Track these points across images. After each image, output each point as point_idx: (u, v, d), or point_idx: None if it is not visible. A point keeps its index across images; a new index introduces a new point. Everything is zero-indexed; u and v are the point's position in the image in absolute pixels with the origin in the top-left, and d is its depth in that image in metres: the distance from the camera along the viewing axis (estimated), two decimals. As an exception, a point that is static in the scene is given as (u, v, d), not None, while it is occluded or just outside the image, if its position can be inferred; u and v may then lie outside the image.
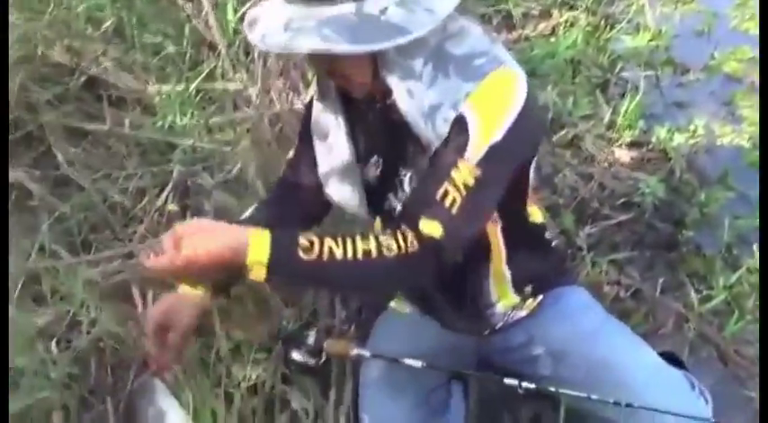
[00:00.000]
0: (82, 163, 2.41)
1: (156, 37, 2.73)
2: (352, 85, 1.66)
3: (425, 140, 1.61)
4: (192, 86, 2.63)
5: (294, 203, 1.94)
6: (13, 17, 2.34)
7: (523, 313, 1.98)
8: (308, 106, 1.88)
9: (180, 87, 2.62)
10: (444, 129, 1.57)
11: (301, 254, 1.47)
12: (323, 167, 1.86)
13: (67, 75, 2.52)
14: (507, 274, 1.91)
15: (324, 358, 1.94)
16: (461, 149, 1.54)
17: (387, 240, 1.51)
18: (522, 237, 1.88)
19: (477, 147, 1.53)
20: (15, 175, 2.30)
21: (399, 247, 1.51)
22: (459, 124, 1.55)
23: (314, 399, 2.14)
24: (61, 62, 2.52)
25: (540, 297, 1.98)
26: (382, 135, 1.76)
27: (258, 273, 1.45)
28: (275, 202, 1.94)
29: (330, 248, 1.48)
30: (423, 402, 1.99)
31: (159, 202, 2.41)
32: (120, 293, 2.18)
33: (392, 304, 2.15)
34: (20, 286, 2.11)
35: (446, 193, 1.53)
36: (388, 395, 1.99)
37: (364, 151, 1.82)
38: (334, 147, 1.81)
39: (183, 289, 1.83)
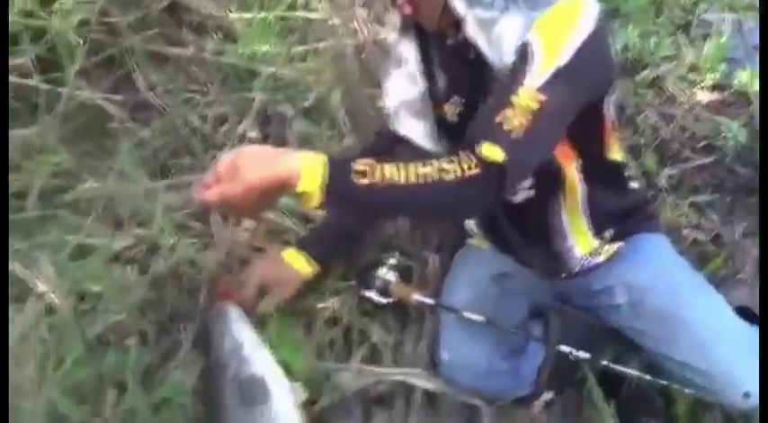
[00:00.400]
0: (162, 88, 2.37)
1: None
2: (421, 14, 1.62)
3: (499, 73, 1.56)
4: (273, 14, 2.56)
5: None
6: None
7: (601, 259, 1.94)
8: None
9: (261, 15, 2.55)
10: (512, 57, 1.53)
11: (356, 178, 1.43)
12: (392, 101, 1.83)
13: (149, -1, 2.47)
14: (585, 214, 1.87)
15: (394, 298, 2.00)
16: (524, 74, 1.50)
17: (446, 164, 1.46)
18: (601, 175, 1.83)
19: (541, 70, 1.49)
20: (94, 98, 2.27)
21: (459, 170, 1.46)
22: (524, 50, 1.52)
23: (393, 333, 2.11)
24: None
25: (620, 243, 1.94)
26: (462, 75, 1.72)
27: (311, 199, 1.42)
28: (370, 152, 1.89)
29: (387, 173, 1.44)
30: (502, 341, 1.99)
31: (240, 130, 2.37)
32: (198, 220, 2.14)
33: (471, 241, 2.15)
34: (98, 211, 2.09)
35: (507, 118, 1.48)
36: (468, 333, 1.98)
37: (445, 90, 1.79)
38: (406, 80, 1.80)
39: (290, 258, 1.91)
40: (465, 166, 1.46)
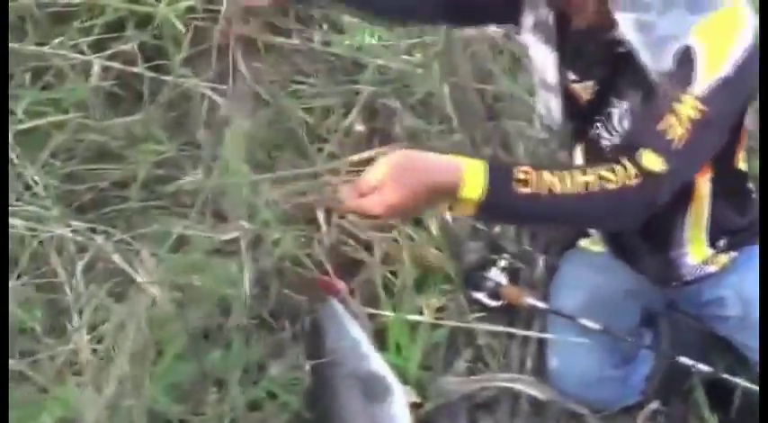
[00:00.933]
0: (267, 79, 2.31)
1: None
2: (577, 12, 1.57)
3: (648, 74, 1.53)
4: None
5: None
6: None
7: (713, 269, 1.90)
8: None
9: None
10: (670, 61, 1.49)
11: (517, 187, 1.40)
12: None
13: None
14: (706, 224, 1.82)
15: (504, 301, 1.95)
16: (687, 82, 1.47)
17: (607, 172, 1.44)
18: (728, 185, 1.80)
19: (704, 79, 1.47)
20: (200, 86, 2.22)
21: (621, 180, 1.44)
22: (686, 56, 1.48)
23: (500, 336, 2.05)
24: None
25: (734, 254, 1.89)
26: (601, 64, 1.68)
27: (469, 206, 1.39)
28: None
29: (547, 181, 1.41)
30: (614, 349, 1.95)
31: (346, 123, 2.31)
32: (303, 214, 2.10)
33: (581, 243, 2.11)
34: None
35: (670, 126, 1.47)
36: (580, 336, 1.91)
37: (580, 74, 1.73)
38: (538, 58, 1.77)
39: None
40: (626, 176, 1.44)
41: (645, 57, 1.52)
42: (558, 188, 1.40)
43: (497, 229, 2.18)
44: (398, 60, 2.42)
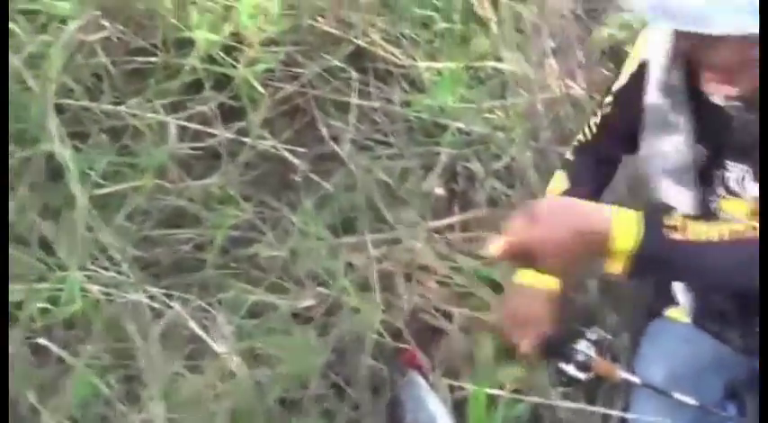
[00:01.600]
0: (346, 139, 2.28)
1: (425, 10, 2.57)
2: (724, 83, 1.50)
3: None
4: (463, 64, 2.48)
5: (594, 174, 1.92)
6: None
7: None
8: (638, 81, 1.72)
9: (451, 64, 2.46)
10: None
11: (670, 234, 1.30)
12: (650, 167, 1.76)
13: (333, 45, 2.41)
14: None
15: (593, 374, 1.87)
16: None
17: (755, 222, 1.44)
18: None
19: None
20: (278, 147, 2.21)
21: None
22: None
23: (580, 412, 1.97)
24: (329, 31, 2.41)
25: None
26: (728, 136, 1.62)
27: (621, 259, 1.31)
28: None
29: (698, 228, 1.34)
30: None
31: (425, 186, 2.28)
32: (383, 281, 2.03)
33: (667, 312, 2.03)
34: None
35: None
36: (665, 413, 1.83)
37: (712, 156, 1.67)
38: (671, 147, 1.69)
39: (525, 278, 1.83)
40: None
41: None
42: (711, 236, 1.35)
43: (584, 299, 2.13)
44: (480, 122, 2.38)
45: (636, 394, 1.93)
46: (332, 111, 2.35)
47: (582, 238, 1.28)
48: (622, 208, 1.33)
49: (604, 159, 1.96)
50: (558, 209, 1.32)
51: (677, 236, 1.32)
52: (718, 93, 1.55)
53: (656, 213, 1.36)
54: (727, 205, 1.69)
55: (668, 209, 1.59)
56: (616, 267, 1.31)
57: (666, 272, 1.48)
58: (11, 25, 1.95)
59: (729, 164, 1.64)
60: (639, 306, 2.14)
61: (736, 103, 1.56)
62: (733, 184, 1.66)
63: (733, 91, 1.51)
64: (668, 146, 1.70)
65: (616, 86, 1.82)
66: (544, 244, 1.28)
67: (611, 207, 1.33)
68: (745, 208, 1.65)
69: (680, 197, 1.72)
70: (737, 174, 1.64)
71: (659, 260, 1.33)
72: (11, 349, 1.62)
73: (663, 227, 1.32)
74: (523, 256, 1.31)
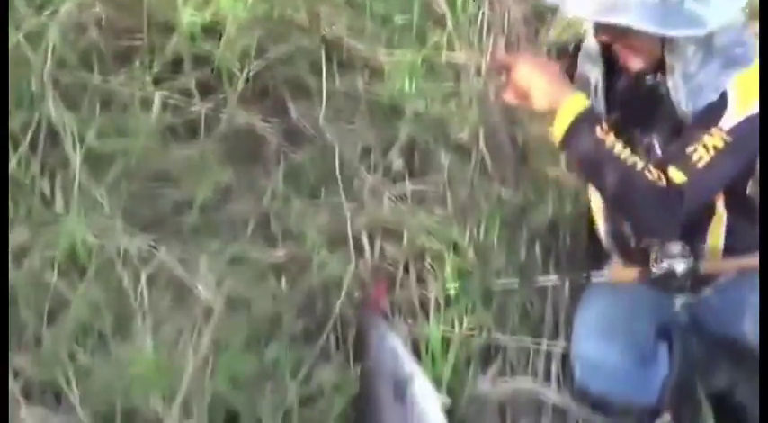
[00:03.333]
0: (312, 117, 2.45)
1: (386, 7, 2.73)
2: (632, 58, 1.87)
3: (681, 115, 1.85)
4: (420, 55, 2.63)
5: None
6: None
7: (722, 279, 2.06)
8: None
9: (407, 56, 2.62)
10: (704, 103, 1.82)
11: (599, 133, 1.76)
12: None
13: (301, 34, 2.56)
14: (722, 244, 2.02)
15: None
16: (717, 119, 1.78)
17: (646, 168, 1.78)
18: (743, 209, 1.99)
19: (733, 117, 1.77)
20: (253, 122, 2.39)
21: (654, 176, 1.77)
22: (720, 100, 1.80)
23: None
24: (298, 22, 2.57)
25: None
26: (637, 104, 1.95)
27: (560, 129, 1.77)
28: None
29: (614, 142, 1.77)
30: (633, 346, 2.02)
31: (385, 162, 2.45)
32: (345, 240, 2.20)
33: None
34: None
35: (696, 151, 1.77)
36: (602, 335, 2.04)
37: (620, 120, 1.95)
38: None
39: None
40: (657, 177, 1.76)
41: (682, 102, 1.83)
42: (617, 151, 1.76)
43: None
44: (435, 108, 2.56)
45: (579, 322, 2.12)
46: (299, 92, 2.51)
47: (543, 85, 1.76)
48: (582, 95, 1.79)
49: None
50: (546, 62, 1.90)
51: (601, 135, 1.75)
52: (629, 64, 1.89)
53: (598, 115, 1.82)
54: None
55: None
56: (557, 132, 1.77)
57: (581, 155, 1.82)
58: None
59: (643, 137, 1.96)
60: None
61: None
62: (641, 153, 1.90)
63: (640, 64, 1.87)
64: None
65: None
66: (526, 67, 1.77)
67: (572, 90, 1.79)
68: None
69: None
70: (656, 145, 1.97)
71: (583, 143, 1.77)
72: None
73: (597, 124, 1.76)
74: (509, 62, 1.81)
